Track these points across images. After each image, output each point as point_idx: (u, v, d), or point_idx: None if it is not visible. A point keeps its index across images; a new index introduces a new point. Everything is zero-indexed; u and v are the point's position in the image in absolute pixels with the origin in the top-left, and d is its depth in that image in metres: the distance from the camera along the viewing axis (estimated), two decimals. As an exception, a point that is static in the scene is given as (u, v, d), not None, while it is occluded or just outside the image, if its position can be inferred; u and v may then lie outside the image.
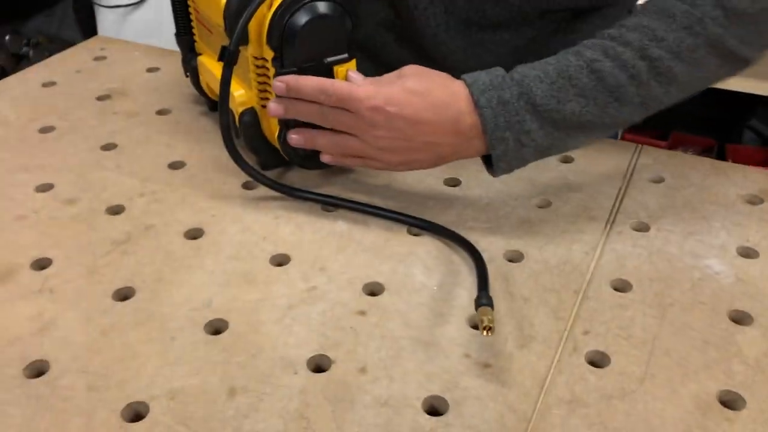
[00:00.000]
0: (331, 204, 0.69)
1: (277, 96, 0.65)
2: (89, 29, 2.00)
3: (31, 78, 0.93)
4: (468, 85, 0.62)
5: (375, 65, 0.90)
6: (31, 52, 1.82)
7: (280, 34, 0.61)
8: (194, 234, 0.65)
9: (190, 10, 0.79)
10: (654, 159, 0.77)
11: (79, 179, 0.73)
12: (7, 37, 1.79)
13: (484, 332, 0.51)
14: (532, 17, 0.78)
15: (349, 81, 0.65)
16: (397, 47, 0.86)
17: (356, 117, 0.63)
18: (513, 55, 0.81)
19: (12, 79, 0.93)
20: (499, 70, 0.63)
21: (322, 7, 0.62)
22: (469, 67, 0.82)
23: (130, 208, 0.69)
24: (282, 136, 0.68)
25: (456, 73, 0.84)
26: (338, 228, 0.67)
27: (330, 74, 0.65)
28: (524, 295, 0.59)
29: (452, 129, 0.62)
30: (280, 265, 0.62)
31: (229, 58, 0.62)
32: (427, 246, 0.64)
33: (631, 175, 0.74)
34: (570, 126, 0.63)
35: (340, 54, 0.64)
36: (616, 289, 0.60)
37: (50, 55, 1.91)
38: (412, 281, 0.60)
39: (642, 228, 0.67)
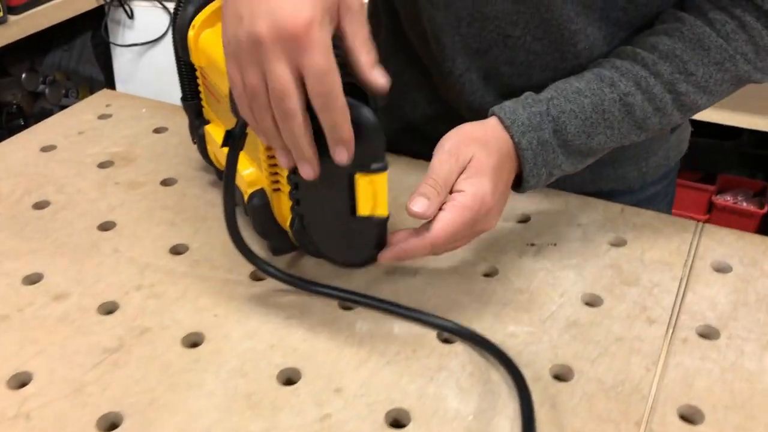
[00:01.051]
0: (349, 300, 0.61)
1: None
2: (108, 64, 1.96)
3: (29, 141, 0.86)
4: (506, 127, 0.61)
5: (394, 119, 0.81)
6: (47, 90, 1.78)
7: None
8: (194, 340, 0.58)
9: (197, 74, 0.72)
10: (718, 241, 0.68)
11: (71, 268, 0.65)
12: (23, 75, 1.75)
13: None
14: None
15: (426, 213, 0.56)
16: (426, 105, 0.78)
17: (472, 226, 0.57)
18: None
19: (10, 143, 0.86)
20: (534, 105, 0.62)
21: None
22: None
23: (125, 305, 0.61)
24: (294, 224, 0.60)
25: None
26: (358, 331, 0.58)
27: (350, 182, 0.55)
28: (576, 427, 0.50)
29: (511, 170, 0.61)
30: (289, 383, 0.54)
31: (233, 143, 0.55)
32: (461, 357, 0.56)
33: (693, 262, 0.65)
34: (593, 153, 0.65)
35: (373, 161, 0.53)
36: (684, 419, 0.51)
37: (67, 92, 1.88)
38: (443, 407, 0.51)
39: (710, 334, 0.58)
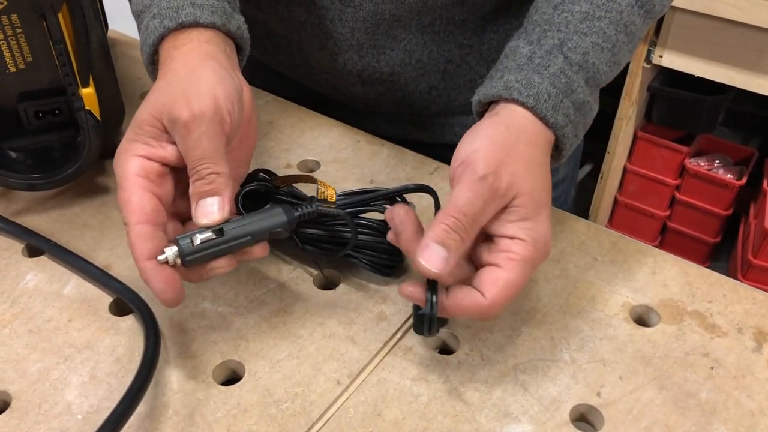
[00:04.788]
0: (37, 245, 0.50)
1: None
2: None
3: None
4: (531, 108, 0.43)
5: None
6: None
7: None
8: None
9: None
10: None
11: None
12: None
13: None
14: None
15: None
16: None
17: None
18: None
19: None
20: (547, 61, 0.44)
21: None
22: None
23: None
24: None
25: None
26: (21, 285, 0.48)
27: None
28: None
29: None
30: None
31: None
32: (122, 336, 0.45)
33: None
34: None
35: None
36: (347, 458, 0.39)
37: None
38: (54, 399, 0.41)
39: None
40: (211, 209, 0.40)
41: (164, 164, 0.42)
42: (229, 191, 0.41)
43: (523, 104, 0.43)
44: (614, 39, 0.46)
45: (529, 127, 0.43)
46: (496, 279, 0.39)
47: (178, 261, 0.39)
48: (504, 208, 0.41)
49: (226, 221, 0.40)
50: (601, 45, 0.45)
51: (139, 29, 0.49)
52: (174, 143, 0.42)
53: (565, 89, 0.44)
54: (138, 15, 0.49)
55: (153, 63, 0.47)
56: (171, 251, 0.39)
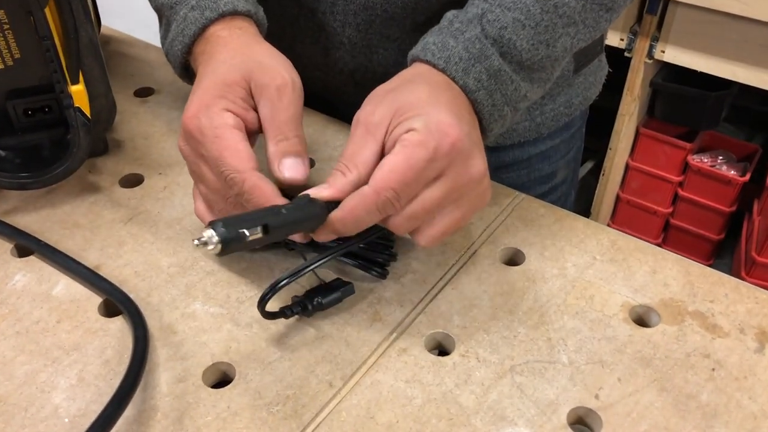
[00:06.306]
0: (26, 245, 0.50)
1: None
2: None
3: None
4: (442, 70, 0.45)
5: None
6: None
7: None
8: None
9: None
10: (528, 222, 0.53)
11: None
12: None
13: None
14: None
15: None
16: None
17: (441, 171, 0.41)
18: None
19: None
20: (466, 29, 0.46)
21: None
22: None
23: None
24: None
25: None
26: (10, 286, 0.47)
27: None
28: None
29: (467, 107, 0.45)
30: None
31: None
32: (112, 337, 0.44)
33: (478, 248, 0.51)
34: (561, 59, 0.49)
35: None
36: (339, 462, 0.38)
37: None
38: (41, 402, 0.40)
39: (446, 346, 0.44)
40: (296, 166, 0.43)
41: (246, 126, 0.45)
42: (306, 154, 0.45)
43: (435, 65, 0.45)
44: (538, 18, 0.46)
45: (435, 76, 0.45)
46: (381, 164, 0.40)
47: (219, 247, 0.37)
48: (388, 129, 0.42)
49: (272, 215, 0.39)
50: (523, 22, 0.45)
51: (170, 20, 0.51)
52: (255, 110, 0.45)
53: (479, 55, 0.45)
54: (171, 6, 0.51)
55: (189, 53, 0.50)
56: (210, 238, 0.37)
